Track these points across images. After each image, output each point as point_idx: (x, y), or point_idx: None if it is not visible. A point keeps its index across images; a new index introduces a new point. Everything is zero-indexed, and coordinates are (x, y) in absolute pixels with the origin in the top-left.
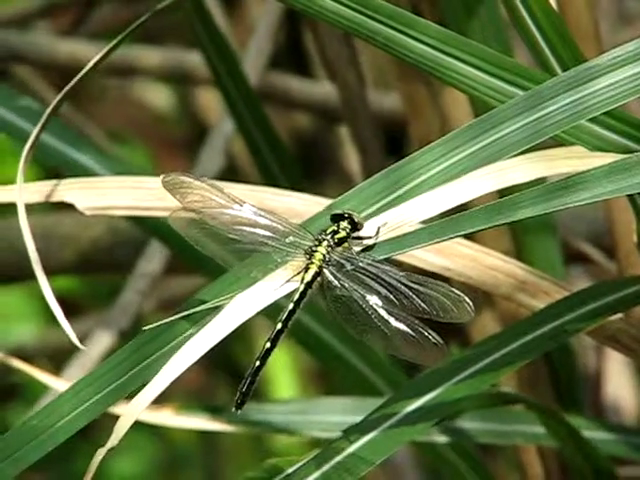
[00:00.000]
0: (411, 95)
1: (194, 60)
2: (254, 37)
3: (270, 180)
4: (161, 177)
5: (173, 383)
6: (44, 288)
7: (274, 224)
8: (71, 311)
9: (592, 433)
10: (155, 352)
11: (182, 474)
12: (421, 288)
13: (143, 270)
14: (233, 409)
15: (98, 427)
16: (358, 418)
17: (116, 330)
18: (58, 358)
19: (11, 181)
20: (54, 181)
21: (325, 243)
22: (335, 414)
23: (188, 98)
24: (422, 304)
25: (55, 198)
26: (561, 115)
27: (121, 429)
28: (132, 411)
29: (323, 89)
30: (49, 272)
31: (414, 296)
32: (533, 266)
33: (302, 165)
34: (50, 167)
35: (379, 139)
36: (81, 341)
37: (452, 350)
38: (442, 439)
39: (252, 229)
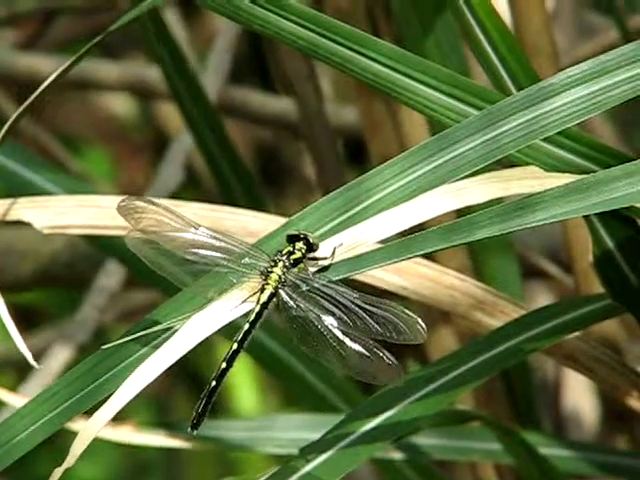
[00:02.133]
0: (370, 112)
1: (153, 74)
2: (213, 52)
3: (228, 194)
4: (117, 202)
5: None
6: (2, 313)
7: (229, 246)
8: (31, 318)
9: (549, 450)
10: (112, 369)
11: (143, 478)
12: (375, 309)
13: (102, 285)
14: (189, 429)
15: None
16: (315, 434)
17: (74, 345)
18: (22, 367)
19: None
20: (11, 200)
21: (281, 264)
22: (292, 430)
23: (149, 105)
24: (376, 325)
25: (12, 217)
26: (517, 134)
27: (78, 448)
28: (90, 429)
29: (283, 103)
30: (7, 287)
31: (368, 317)
32: (490, 283)
33: (262, 174)
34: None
35: (336, 153)
36: (40, 354)
37: (409, 367)
38: (399, 455)
39: (208, 251)
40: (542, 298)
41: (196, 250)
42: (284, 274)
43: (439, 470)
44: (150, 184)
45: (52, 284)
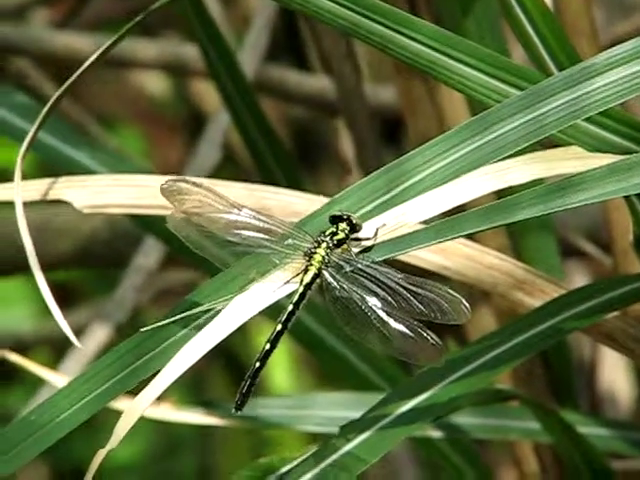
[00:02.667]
0: (408, 91)
1: (191, 52)
2: (250, 31)
3: (265, 173)
4: (160, 184)
5: None
6: (41, 286)
7: (273, 227)
8: (67, 296)
9: (588, 429)
10: (154, 349)
11: (177, 457)
12: (419, 290)
13: (140, 264)
14: (233, 410)
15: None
16: (354, 413)
17: (112, 324)
18: (57, 344)
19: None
20: (52, 179)
21: (324, 245)
22: (331, 409)
23: (185, 83)
24: (420, 306)
25: (53, 196)
26: (559, 114)
27: (122, 429)
28: (134, 411)
29: (320, 82)
30: (46, 264)
31: (412, 298)
32: (530, 263)
33: (298, 151)
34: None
35: (375, 132)
36: (77, 333)
37: (449, 346)
38: (438, 434)
39: (251, 232)
40: (580, 278)
41: (239, 231)
42: (327, 255)
43: (478, 448)
44: (185, 163)
45: (91, 262)
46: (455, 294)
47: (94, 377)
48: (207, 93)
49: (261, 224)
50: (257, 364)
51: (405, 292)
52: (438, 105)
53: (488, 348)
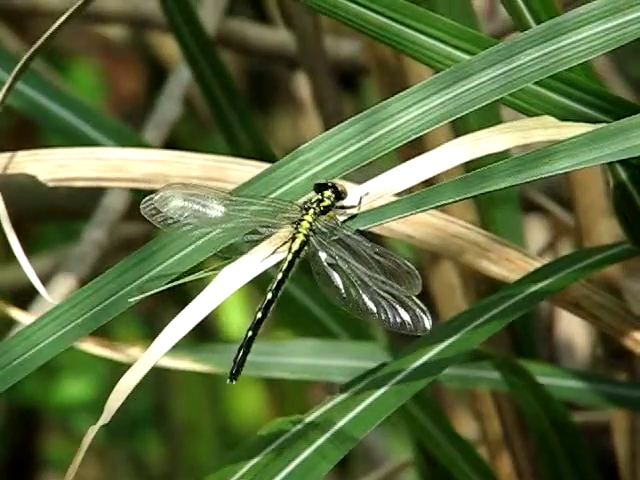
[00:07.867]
0: (373, 47)
1: (152, 6)
2: None
3: (225, 127)
4: (141, 205)
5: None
6: (12, 241)
7: (262, 207)
8: (27, 244)
9: (546, 379)
10: (120, 290)
11: (131, 394)
12: (382, 260)
13: (101, 219)
14: (228, 380)
15: None
16: (322, 360)
17: (74, 278)
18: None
19: None
20: (16, 153)
21: (311, 211)
22: (300, 356)
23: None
24: (382, 276)
25: (17, 170)
26: (531, 68)
27: (113, 406)
28: (122, 388)
29: (280, 36)
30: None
31: (376, 267)
32: (493, 227)
33: (255, 98)
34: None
35: (335, 86)
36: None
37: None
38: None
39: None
40: (538, 234)
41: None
42: (314, 221)
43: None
44: (146, 115)
45: (52, 216)
46: (411, 266)
47: (61, 316)
48: (169, 45)
49: (251, 207)
50: (249, 333)
51: (372, 261)
52: (403, 60)
53: (465, 322)
